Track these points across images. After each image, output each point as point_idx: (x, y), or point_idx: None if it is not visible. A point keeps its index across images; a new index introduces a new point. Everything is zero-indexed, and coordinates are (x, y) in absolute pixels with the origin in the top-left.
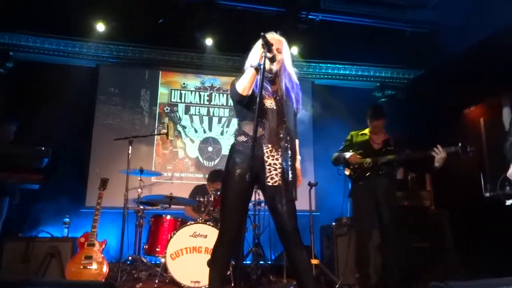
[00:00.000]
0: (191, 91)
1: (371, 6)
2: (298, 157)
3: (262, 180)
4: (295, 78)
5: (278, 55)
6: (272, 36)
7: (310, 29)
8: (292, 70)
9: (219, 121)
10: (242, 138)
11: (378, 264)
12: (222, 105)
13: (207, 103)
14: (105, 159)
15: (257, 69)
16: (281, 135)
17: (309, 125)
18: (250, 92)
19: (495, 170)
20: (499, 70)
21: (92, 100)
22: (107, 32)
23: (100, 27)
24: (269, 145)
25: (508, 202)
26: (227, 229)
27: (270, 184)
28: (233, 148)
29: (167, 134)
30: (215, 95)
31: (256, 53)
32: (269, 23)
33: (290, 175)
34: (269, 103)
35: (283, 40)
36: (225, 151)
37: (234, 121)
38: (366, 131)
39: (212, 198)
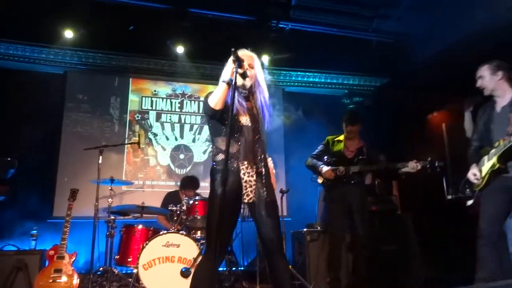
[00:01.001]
0: (162, 98)
1: (339, 16)
2: (271, 164)
3: (240, 197)
4: (266, 94)
5: (250, 70)
6: (243, 53)
7: (280, 37)
8: (265, 86)
9: (191, 129)
10: (220, 157)
11: (348, 267)
12: (194, 112)
13: (179, 110)
14: (74, 168)
15: (228, 83)
16: (257, 152)
17: (280, 131)
18: (222, 107)
19: (456, 174)
20: (460, 77)
21: (60, 107)
22: (76, 39)
23: (69, 33)
24: (245, 162)
25: (469, 203)
26: (215, 247)
27: (245, 201)
28: (213, 170)
29: (138, 143)
30: (186, 102)
31: (228, 69)
32: (240, 32)
33: (265, 191)
34: (245, 119)
35: (255, 56)
36: (197, 158)
37: (206, 129)
38: (342, 137)
39: (184, 207)
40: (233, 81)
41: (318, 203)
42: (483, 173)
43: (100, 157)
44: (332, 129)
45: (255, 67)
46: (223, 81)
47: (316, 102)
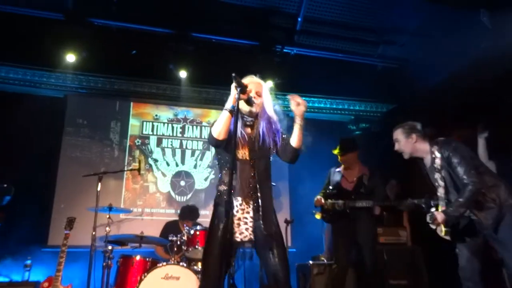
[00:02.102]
0: (164, 123)
1: (344, 41)
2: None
3: (232, 234)
4: (275, 124)
5: (257, 98)
6: (251, 80)
7: (285, 62)
8: (273, 114)
9: (192, 154)
10: (222, 188)
11: None
12: (196, 137)
13: (180, 135)
14: (71, 194)
15: (231, 111)
16: (254, 186)
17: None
18: (225, 137)
19: None
20: (470, 103)
21: (58, 132)
22: (77, 62)
23: (70, 57)
24: (239, 198)
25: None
26: (212, 283)
27: (238, 239)
28: (215, 200)
29: (138, 169)
30: (188, 127)
31: (231, 96)
32: (244, 57)
33: (263, 227)
34: (242, 153)
35: (263, 83)
36: (198, 185)
37: (208, 154)
38: (342, 167)
39: (185, 237)
40: (236, 108)
41: (324, 233)
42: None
43: (99, 184)
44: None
45: (263, 95)
46: (225, 109)
47: (321, 128)
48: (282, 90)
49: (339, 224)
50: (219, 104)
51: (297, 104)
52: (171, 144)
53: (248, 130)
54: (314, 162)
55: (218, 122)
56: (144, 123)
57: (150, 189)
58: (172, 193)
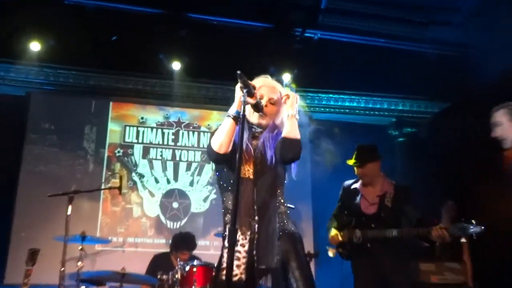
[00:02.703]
0: (152, 128)
1: (383, 22)
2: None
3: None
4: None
5: (269, 106)
6: (263, 82)
7: (306, 50)
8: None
9: (188, 168)
10: (228, 218)
11: None
12: (192, 146)
13: (173, 143)
14: (34, 220)
15: (235, 118)
16: (252, 211)
17: (306, 174)
18: (228, 150)
19: None
20: None
21: (19, 139)
22: (43, 52)
23: (34, 46)
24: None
25: None
26: None
27: (235, 279)
28: (223, 234)
29: (119, 187)
30: (183, 133)
31: (236, 99)
32: (254, 43)
33: (257, 260)
34: (245, 170)
35: (280, 87)
36: (196, 207)
37: (208, 168)
38: (360, 184)
39: (179, 275)
40: (242, 114)
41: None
42: None
43: (69, 206)
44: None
45: (279, 102)
46: (228, 115)
47: (354, 134)
48: (303, 85)
49: (361, 261)
50: (222, 103)
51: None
52: (161, 155)
53: (256, 142)
54: (344, 178)
55: (220, 131)
56: (127, 128)
57: (134, 212)
58: (162, 218)
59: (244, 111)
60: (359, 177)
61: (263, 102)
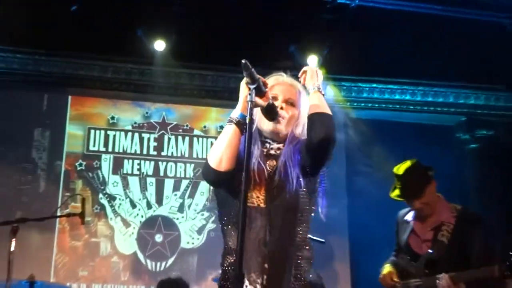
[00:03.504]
0: (126, 132)
1: None
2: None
3: None
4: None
5: (287, 109)
6: (277, 80)
7: (340, 21)
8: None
9: (176, 187)
10: (229, 259)
11: None
12: (182, 156)
13: (155, 153)
14: None
15: (240, 124)
16: (263, 251)
17: (341, 197)
18: (230, 167)
19: None
20: None
21: None
22: None
23: None
24: (244, 274)
25: None
26: None
27: None
28: (219, 283)
29: (81, 214)
30: (169, 139)
31: (240, 98)
32: (267, 13)
33: None
34: (255, 196)
35: (299, 86)
36: (187, 241)
37: (203, 187)
38: (413, 213)
39: None
40: (248, 120)
41: None
42: None
43: (13, 240)
44: (440, 187)
45: (298, 104)
46: (230, 120)
47: (406, 138)
48: (336, 71)
49: None
50: (223, 97)
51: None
52: (139, 169)
53: (272, 162)
54: (394, 202)
55: (219, 142)
56: (92, 132)
57: (102, 249)
58: (141, 256)
59: (251, 115)
60: (416, 211)
61: (278, 103)
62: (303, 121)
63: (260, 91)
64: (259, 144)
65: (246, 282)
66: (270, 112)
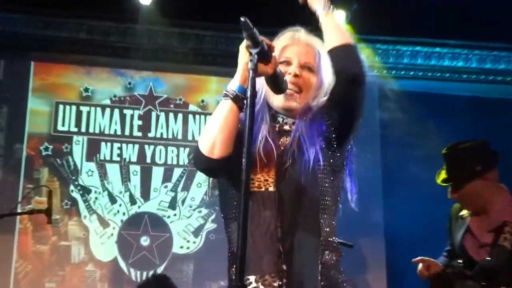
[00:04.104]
0: (104, 107)
1: None
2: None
3: None
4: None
5: (303, 76)
6: (291, 38)
7: None
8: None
9: (167, 177)
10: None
11: None
12: (174, 138)
13: (140, 134)
14: None
15: (238, 99)
16: (276, 248)
17: (375, 182)
18: (225, 153)
19: None
20: None
21: None
22: None
23: None
24: (251, 277)
25: None
26: None
27: None
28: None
29: (47, 210)
30: (158, 116)
31: (239, 66)
32: None
33: None
34: (263, 181)
35: (319, 45)
36: (180, 246)
37: (201, 177)
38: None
39: None
40: (249, 94)
41: None
42: None
43: None
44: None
45: (318, 69)
46: (226, 95)
47: (460, 115)
48: (368, 30)
49: None
50: (226, 64)
51: None
52: (120, 155)
53: (286, 139)
54: (441, 196)
55: (212, 123)
56: (61, 107)
57: (73, 254)
58: (123, 264)
59: (253, 86)
60: (463, 205)
61: (291, 69)
62: (323, 91)
63: (264, 56)
64: (268, 118)
65: (253, 284)
66: (277, 83)
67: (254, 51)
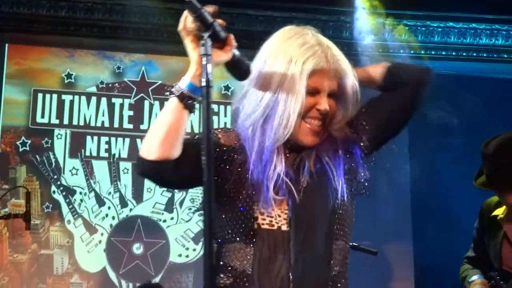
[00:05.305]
0: (89, 95)
1: None
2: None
3: None
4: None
5: (332, 108)
6: (318, 58)
7: None
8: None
9: None
10: (223, 280)
11: None
12: None
13: (131, 126)
14: None
15: (183, 97)
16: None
17: (404, 187)
18: (163, 155)
19: None
20: None
21: None
22: None
23: None
24: None
25: None
26: None
27: None
28: None
29: (25, 215)
30: (151, 106)
31: (191, 56)
32: None
33: None
34: (274, 216)
35: (347, 67)
36: (178, 254)
37: None
38: (502, 210)
39: None
40: (205, 81)
41: None
42: None
43: None
44: None
45: (344, 92)
46: (171, 92)
47: (501, 100)
48: (395, 5)
49: None
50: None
51: None
52: (109, 150)
53: (300, 170)
54: (478, 193)
55: (155, 122)
56: (40, 96)
57: (56, 264)
58: (113, 275)
59: (207, 75)
60: (511, 212)
61: (322, 104)
62: (347, 119)
63: (218, 39)
64: (282, 148)
65: None
66: (238, 67)
67: (205, 34)
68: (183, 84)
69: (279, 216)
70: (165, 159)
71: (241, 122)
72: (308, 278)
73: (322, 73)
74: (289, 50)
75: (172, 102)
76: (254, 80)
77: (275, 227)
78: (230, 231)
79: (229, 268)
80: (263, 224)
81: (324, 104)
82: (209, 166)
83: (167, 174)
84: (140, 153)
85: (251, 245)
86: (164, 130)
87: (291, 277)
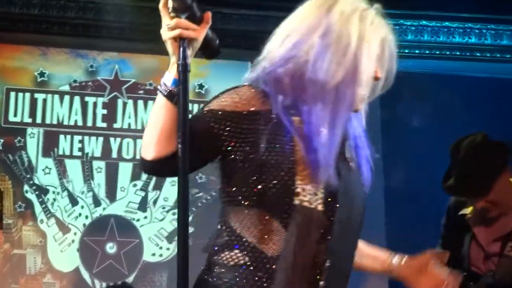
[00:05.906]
0: (62, 94)
1: None
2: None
3: None
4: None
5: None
6: (387, 46)
7: None
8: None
9: (136, 174)
10: (238, 259)
11: None
12: (144, 129)
13: (104, 124)
14: None
15: (171, 95)
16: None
17: (377, 183)
18: (162, 154)
19: None
20: None
21: None
22: None
23: None
24: None
25: None
26: None
27: None
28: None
29: None
30: (125, 105)
31: (169, 47)
32: None
33: None
34: (312, 194)
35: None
36: (152, 253)
37: None
38: (469, 210)
39: None
40: (181, 64)
41: None
42: None
43: None
44: None
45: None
46: (159, 90)
47: (473, 99)
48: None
49: None
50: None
51: None
52: (82, 149)
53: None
54: None
55: (148, 123)
56: (12, 94)
57: (28, 264)
58: (86, 275)
59: (184, 58)
60: (478, 212)
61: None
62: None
63: (193, 19)
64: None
65: None
66: (211, 46)
67: (183, 15)
68: (168, 82)
69: (316, 194)
70: (164, 156)
71: (309, 79)
72: (338, 273)
73: (387, 58)
74: (364, 14)
75: (161, 101)
76: (321, 33)
77: (313, 206)
78: (261, 202)
79: (246, 244)
80: (301, 198)
81: (380, 73)
82: (184, 157)
83: (171, 168)
84: (140, 154)
85: (285, 222)
86: (158, 130)
87: (327, 264)
